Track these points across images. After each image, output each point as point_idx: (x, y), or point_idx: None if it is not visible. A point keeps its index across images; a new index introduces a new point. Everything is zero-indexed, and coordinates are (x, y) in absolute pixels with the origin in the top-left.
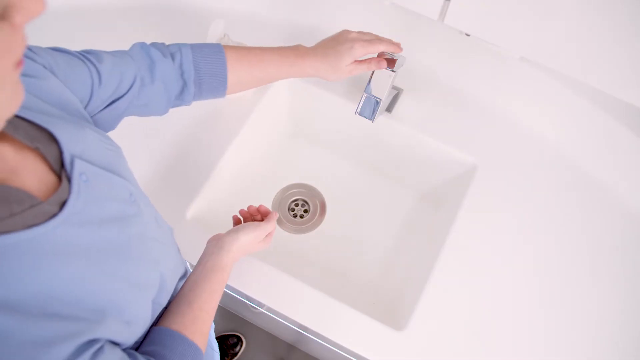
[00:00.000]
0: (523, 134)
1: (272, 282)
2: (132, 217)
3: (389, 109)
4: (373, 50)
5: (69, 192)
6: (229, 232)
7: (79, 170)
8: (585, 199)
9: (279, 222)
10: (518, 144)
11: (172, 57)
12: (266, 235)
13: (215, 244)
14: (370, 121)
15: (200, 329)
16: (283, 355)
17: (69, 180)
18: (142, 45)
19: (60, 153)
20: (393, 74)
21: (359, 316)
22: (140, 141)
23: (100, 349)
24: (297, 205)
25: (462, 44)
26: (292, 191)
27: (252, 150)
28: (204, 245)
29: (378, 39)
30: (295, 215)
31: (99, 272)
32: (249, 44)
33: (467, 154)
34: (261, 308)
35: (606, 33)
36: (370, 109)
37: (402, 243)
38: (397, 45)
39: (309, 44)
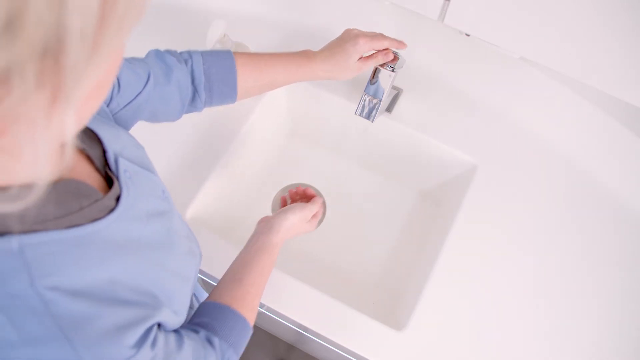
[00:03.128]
0: (523, 134)
1: (272, 282)
2: (167, 213)
3: (389, 109)
4: (377, 45)
5: (120, 189)
6: (277, 213)
7: (123, 168)
8: (585, 198)
9: None
10: (518, 144)
11: (185, 63)
12: (312, 217)
13: (265, 224)
14: (370, 122)
15: (249, 305)
16: (283, 355)
17: (117, 178)
18: (157, 52)
19: (103, 152)
20: (393, 74)
21: (359, 316)
22: (140, 142)
23: (156, 333)
24: None
25: (462, 44)
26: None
27: (252, 150)
28: (204, 245)
29: (382, 35)
30: None
31: (149, 263)
32: (249, 44)
33: (467, 154)
34: (261, 308)
35: (606, 33)
36: (370, 109)
37: (402, 243)
38: (401, 42)
39: (309, 43)
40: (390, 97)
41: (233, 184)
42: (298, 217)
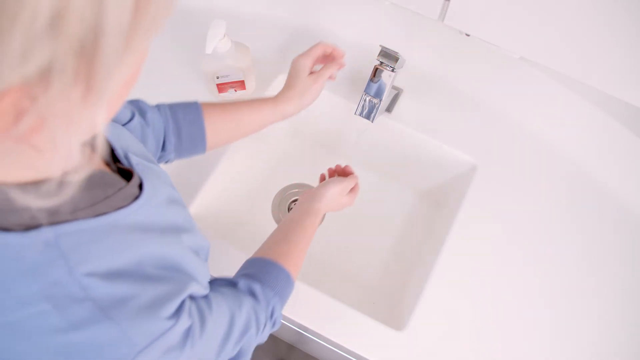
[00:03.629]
0: (523, 134)
1: None
2: (179, 200)
3: (389, 109)
4: (313, 53)
5: (140, 178)
6: (319, 186)
7: (134, 162)
8: (585, 198)
9: (279, 222)
10: (518, 144)
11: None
12: (350, 192)
13: (308, 194)
14: (370, 122)
15: (293, 262)
16: (283, 355)
17: (133, 169)
18: (130, 100)
19: (112, 150)
20: (393, 74)
21: (359, 316)
22: None
23: (190, 303)
24: None
25: (462, 44)
26: (292, 191)
27: (252, 150)
28: None
29: (317, 43)
30: None
31: (174, 244)
32: (249, 44)
33: (467, 154)
34: None
35: (606, 33)
36: (370, 109)
37: (402, 243)
38: (335, 47)
39: (309, 43)
40: (390, 97)
41: (233, 184)
42: (338, 189)
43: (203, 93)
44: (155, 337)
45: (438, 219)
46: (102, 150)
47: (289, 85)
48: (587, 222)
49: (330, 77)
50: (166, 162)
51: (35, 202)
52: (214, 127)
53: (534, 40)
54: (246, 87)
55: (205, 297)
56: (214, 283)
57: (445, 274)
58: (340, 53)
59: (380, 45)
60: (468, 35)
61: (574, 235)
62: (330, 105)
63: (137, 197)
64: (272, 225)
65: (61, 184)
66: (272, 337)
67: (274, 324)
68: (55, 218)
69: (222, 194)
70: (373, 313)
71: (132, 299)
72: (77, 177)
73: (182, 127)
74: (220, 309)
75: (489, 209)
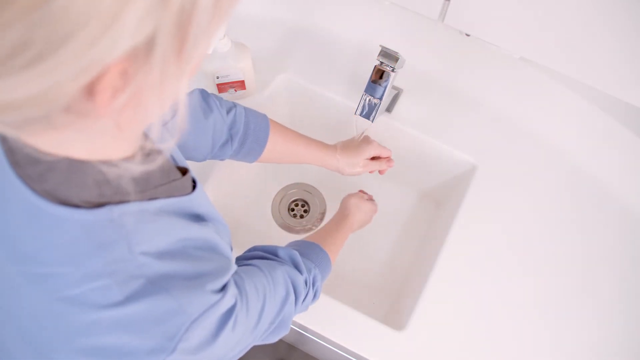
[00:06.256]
0: (523, 134)
1: None
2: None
3: (388, 109)
4: (384, 152)
5: (194, 178)
6: (343, 200)
7: (180, 161)
8: (585, 198)
9: (279, 222)
10: (518, 144)
11: (228, 110)
12: (367, 200)
13: (339, 210)
14: (370, 122)
15: (329, 250)
16: (283, 355)
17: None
18: (202, 91)
19: None
20: (393, 74)
21: (359, 316)
22: None
23: (232, 285)
24: (297, 205)
25: (462, 44)
26: (292, 191)
27: None
28: None
29: (388, 149)
30: (295, 215)
31: (210, 231)
32: (249, 44)
33: (467, 154)
34: None
35: (606, 33)
36: (370, 109)
37: (402, 243)
38: (392, 160)
39: (308, 43)
40: (390, 97)
41: (233, 183)
42: (356, 197)
43: None
44: (206, 308)
45: (438, 219)
46: (183, 120)
47: (348, 148)
48: (587, 222)
49: (378, 172)
50: (221, 159)
51: (134, 169)
52: (271, 145)
53: (534, 40)
54: (246, 87)
55: (242, 277)
56: (253, 251)
57: (445, 274)
58: (391, 164)
59: (380, 45)
60: (468, 35)
61: (574, 235)
62: (330, 105)
63: (189, 192)
64: (272, 225)
65: (149, 154)
66: None
67: (315, 294)
68: (118, 197)
69: (222, 194)
70: (373, 313)
71: (180, 274)
72: (167, 146)
73: (248, 138)
74: (254, 288)
75: (489, 209)
